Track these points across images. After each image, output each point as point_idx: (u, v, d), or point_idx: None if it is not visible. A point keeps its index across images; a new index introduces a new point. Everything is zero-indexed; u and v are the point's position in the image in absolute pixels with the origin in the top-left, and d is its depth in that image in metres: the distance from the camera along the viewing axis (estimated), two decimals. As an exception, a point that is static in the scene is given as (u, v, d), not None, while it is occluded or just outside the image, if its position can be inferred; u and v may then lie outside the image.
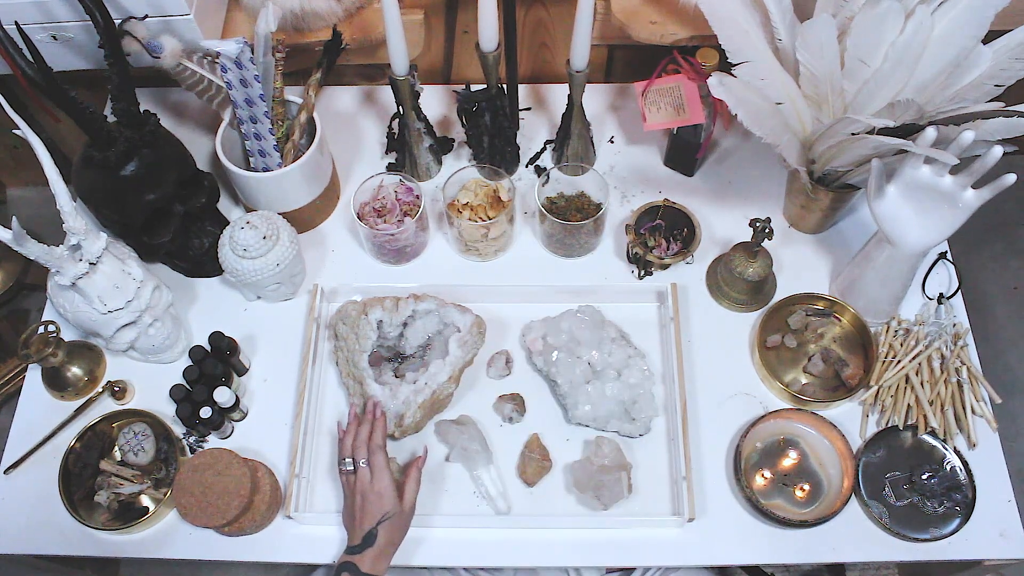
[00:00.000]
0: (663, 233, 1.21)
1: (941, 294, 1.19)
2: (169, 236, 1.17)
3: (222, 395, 1.08)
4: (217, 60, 1.10)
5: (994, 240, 2.02)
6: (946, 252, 1.24)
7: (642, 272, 1.23)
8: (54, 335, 1.12)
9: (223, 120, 1.19)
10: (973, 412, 1.10)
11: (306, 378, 1.12)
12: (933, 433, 1.09)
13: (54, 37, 1.17)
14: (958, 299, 1.19)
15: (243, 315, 1.22)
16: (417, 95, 1.23)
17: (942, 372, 1.12)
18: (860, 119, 0.98)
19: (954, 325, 1.16)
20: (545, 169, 1.32)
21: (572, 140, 1.27)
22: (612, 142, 1.37)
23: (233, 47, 1.07)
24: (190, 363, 1.15)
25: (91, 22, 1.01)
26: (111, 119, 1.09)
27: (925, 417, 1.09)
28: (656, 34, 1.25)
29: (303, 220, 1.25)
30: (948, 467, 1.08)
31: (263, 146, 1.18)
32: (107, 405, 1.16)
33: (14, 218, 0.94)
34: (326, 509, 1.08)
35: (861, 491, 1.06)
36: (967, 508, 1.05)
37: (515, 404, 1.12)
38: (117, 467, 1.10)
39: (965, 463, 1.07)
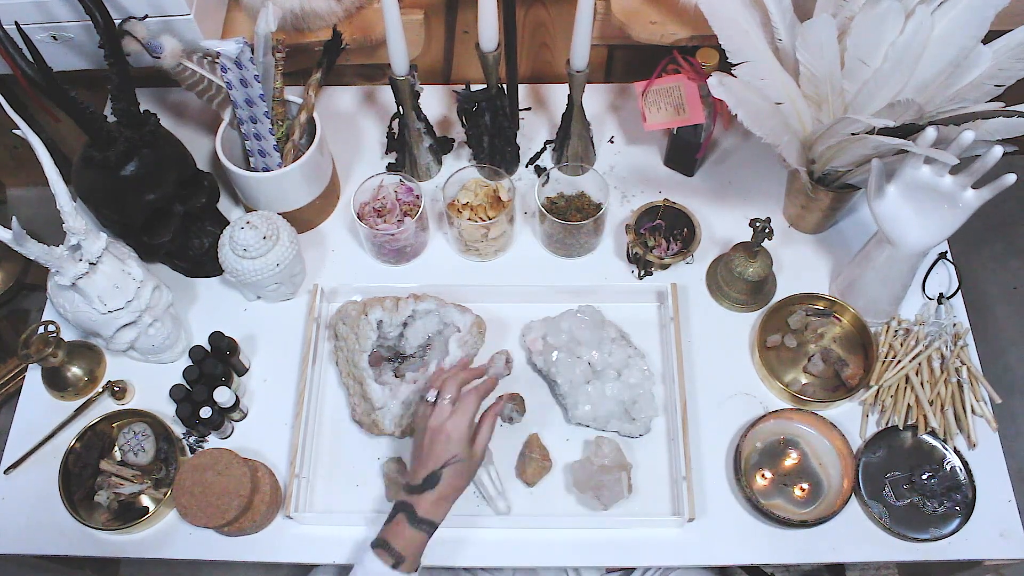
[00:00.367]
0: (663, 233, 1.21)
1: (941, 294, 1.19)
2: (169, 236, 1.17)
3: (222, 395, 1.08)
4: (217, 60, 1.10)
5: (994, 240, 2.02)
6: (946, 252, 1.24)
7: (642, 272, 1.23)
8: (54, 335, 1.12)
9: (223, 120, 1.19)
10: (973, 412, 1.10)
11: (306, 378, 1.12)
12: (933, 433, 1.09)
13: (54, 37, 1.17)
14: (958, 299, 1.19)
15: (243, 315, 1.22)
16: (417, 95, 1.23)
17: (942, 372, 1.12)
18: (860, 119, 0.98)
19: (954, 325, 1.16)
20: (545, 169, 1.32)
21: (572, 140, 1.27)
22: (612, 142, 1.37)
23: (233, 47, 1.07)
24: (190, 363, 1.15)
25: (91, 22, 1.01)
26: (111, 119, 1.09)
27: (925, 417, 1.09)
28: (656, 34, 1.25)
29: (303, 220, 1.25)
30: (948, 467, 1.08)
31: (263, 146, 1.18)
32: (107, 405, 1.16)
33: (14, 218, 0.94)
34: (326, 509, 1.08)
35: (861, 491, 1.06)
36: (967, 508, 1.05)
37: (515, 404, 1.12)
38: (117, 467, 1.10)
39: (965, 463, 1.07)
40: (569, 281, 1.22)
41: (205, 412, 1.08)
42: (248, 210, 1.27)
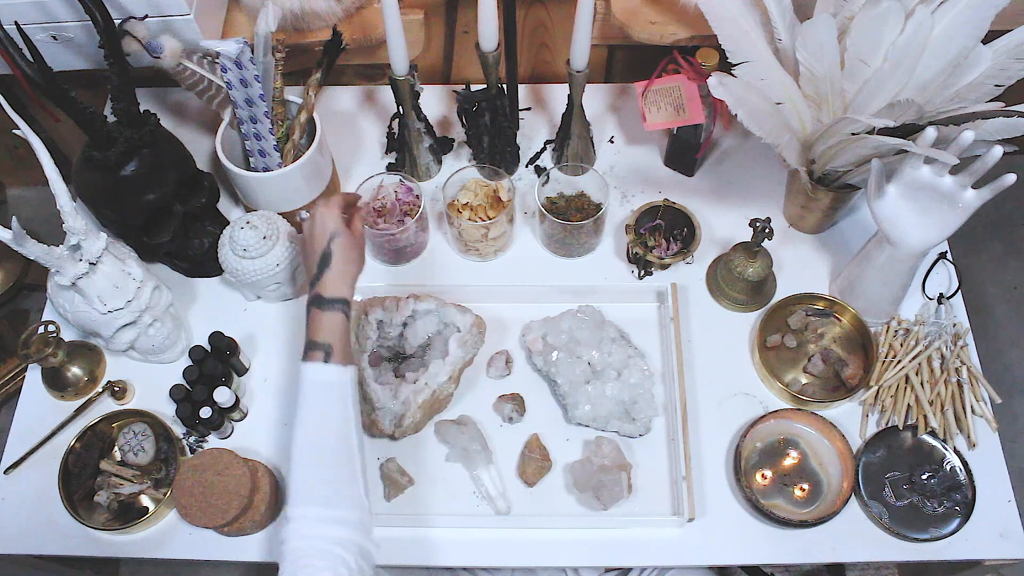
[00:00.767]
0: (663, 233, 1.21)
1: (941, 294, 1.19)
2: (169, 236, 1.17)
3: (222, 395, 1.08)
4: (217, 60, 1.10)
5: (994, 240, 2.02)
6: (946, 252, 1.24)
7: (642, 272, 1.23)
8: (54, 335, 1.12)
9: (223, 120, 1.19)
10: (973, 412, 1.10)
11: (306, 378, 1.12)
12: (933, 433, 1.09)
13: (54, 37, 1.17)
14: (958, 299, 1.19)
15: (243, 315, 1.22)
16: (417, 95, 1.23)
17: (942, 372, 1.12)
18: (860, 119, 0.98)
19: (954, 325, 1.16)
20: (545, 169, 1.32)
21: (572, 140, 1.27)
22: (612, 142, 1.37)
23: (233, 47, 1.07)
24: (190, 363, 1.15)
25: (91, 22, 1.01)
26: (111, 119, 1.09)
27: (925, 417, 1.09)
28: (656, 34, 1.25)
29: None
30: (948, 467, 1.08)
31: (263, 146, 1.18)
32: (107, 405, 1.16)
33: (14, 218, 0.94)
34: (326, 509, 1.08)
35: (861, 491, 1.06)
36: (967, 508, 1.05)
37: (515, 404, 1.12)
38: (117, 467, 1.10)
39: (965, 463, 1.07)
40: (569, 281, 1.22)
41: (205, 412, 1.08)
42: (248, 210, 1.27)
